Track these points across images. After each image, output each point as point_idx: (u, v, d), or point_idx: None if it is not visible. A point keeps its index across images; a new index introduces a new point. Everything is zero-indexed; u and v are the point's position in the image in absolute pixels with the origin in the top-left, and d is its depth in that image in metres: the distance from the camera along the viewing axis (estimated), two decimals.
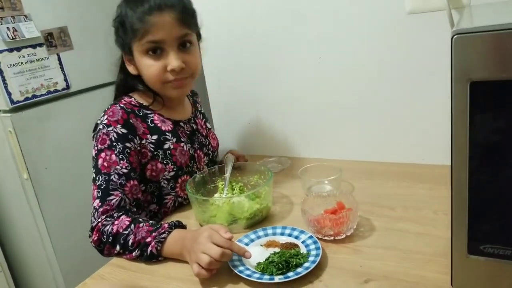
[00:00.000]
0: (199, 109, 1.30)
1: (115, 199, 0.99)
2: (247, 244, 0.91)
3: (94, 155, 1.03)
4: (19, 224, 1.83)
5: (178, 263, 0.90)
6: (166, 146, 1.09)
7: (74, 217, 1.79)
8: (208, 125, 1.29)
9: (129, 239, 0.92)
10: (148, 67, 1.04)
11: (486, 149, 0.59)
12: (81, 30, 1.85)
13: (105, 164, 1.00)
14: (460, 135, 0.59)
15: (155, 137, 1.08)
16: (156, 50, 1.02)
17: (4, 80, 1.62)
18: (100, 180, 1.00)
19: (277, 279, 0.78)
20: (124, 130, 1.03)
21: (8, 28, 1.62)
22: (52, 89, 1.77)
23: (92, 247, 0.99)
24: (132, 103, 1.09)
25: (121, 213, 0.98)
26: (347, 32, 1.22)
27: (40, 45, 1.73)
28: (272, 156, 1.42)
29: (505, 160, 0.58)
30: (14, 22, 1.64)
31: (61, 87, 1.81)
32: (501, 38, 0.54)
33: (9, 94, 1.63)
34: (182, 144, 1.12)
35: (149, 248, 0.90)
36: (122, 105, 1.06)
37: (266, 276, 0.79)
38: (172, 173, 1.09)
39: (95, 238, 0.97)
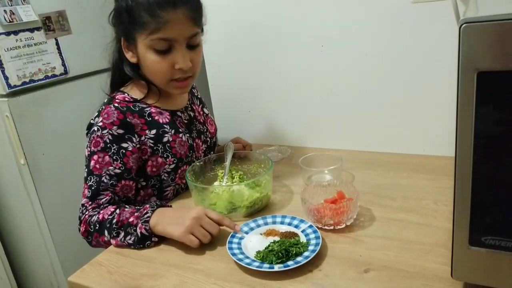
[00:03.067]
0: (196, 94, 1.28)
1: (104, 199, 1.00)
2: (246, 233, 0.91)
3: (86, 155, 1.02)
4: (16, 209, 1.83)
5: (177, 250, 0.90)
6: (165, 139, 1.07)
7: (72, 202, 1.77)
8: (206, 110, 1.27)
9: (114, 221, 0.94)
10: (155, 63, 1.01)
11: (491, 140, 0.58)
12: (80, 15, 1.83)
13: (97, 166, 1.00)
14: (466, 126, 0.58)
15: (153, 131, 1.06)
16: (165, 47, 0.99)
17: (1, 64, 1.60)
18: (91, 180, 1.00)
19: (277, 267, 0.78)
20: (120, 131, 1.01)
21: (5, 11, 1.59)
22: (49, 74, 1.75)
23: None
24: (126, 99, 1.06)
25: (107, 205, 0.99)
26: (350, 21, 1.20)
27: (38, 29, 1.70)
28: (273, 145, 1.41)
29: (510, 152, 0.57)
30: (11, 5, 1.61)
31: (59, 72, 1.79)
32: (510, 28, 0.53)
33: (6, 78, 1.61)
34: (180, 135, 1.10)
35: (138, 230, 0.91)
36: (116, 105, 1.03)
37: (266, 265, 0.79)
38: (172, 166, 1.09)
39: (83, 230, 0.99)
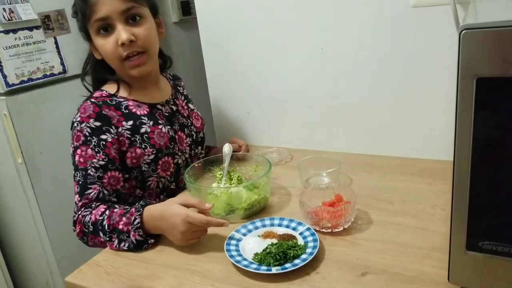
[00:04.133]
0: (181, 90, 1.29)
1: (93, 193, 1.00)
2: (244, 235, 0.91)
3: (71, 152, 1.04)
4: (13, 208, 1.82)
5: (174, 251, 0.90)
6: (142, 130, 1.08)
7: (69, 202, 1.75)
8: (191, 106, 1.28)
9: (105, 224, 0.94)
10: (102, 46, 1.05)
11: (489, 146, 0.59)
12: None
13: (81, 160, 1.01)
14: (464, 131, 0.59)
15: (130, 122, 1.07)
16: (106, 28, 1.03)
17: None
18: (78, 176, 1.01)
19: (274, 270, 0.78)
20: (97, 123, 1.03)
21: (4, 9, 1.59)
22: (48, 73, 1.75)
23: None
24: (103, 95, 1.09)
25: (98, 203, 1.00)
26: (350, 25, 1.21)
27: (37, 27, 1.70)
28: (271, 147, 1.42)
29: (508, 157, 0.58)
30: (10, 4, 1.61)
31: (57, 71, 1.78)
32: (509, 35, 0.53)
33: (4, 76, 1.61)
34: (160, 127, 1.11)
35: (132, 238, 0.91)
36: (92, 100, 1.06)
37: (264, 267, 0.79)
38: (152, 156, 1.09)
39: (78, 231, 0.99)
